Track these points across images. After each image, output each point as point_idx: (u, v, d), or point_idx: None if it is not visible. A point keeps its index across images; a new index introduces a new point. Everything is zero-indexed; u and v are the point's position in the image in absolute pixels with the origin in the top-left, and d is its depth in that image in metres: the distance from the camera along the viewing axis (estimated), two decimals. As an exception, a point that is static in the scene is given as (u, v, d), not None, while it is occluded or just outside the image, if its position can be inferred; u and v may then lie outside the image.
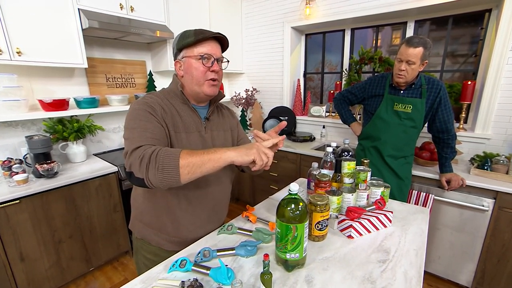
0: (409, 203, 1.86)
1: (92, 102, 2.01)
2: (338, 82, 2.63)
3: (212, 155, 0.78)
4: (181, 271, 0.86)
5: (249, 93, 3.16)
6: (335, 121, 2.70)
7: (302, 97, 3.04)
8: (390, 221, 1.13)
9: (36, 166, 1.71)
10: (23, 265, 1.66)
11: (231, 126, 1.19)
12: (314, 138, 2.78)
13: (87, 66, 1.94)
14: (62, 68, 2.03)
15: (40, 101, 1.81)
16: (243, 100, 3.17)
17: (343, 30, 2.68)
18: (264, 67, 3.12)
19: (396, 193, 1.69)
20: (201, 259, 0.91)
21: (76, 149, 2.00)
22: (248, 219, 1.18)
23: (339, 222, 1.11)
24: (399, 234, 1.08)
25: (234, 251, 0.95)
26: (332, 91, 2.71)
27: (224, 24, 2.97)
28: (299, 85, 2.98)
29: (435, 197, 1.79)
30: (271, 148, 0.90)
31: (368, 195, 1.19)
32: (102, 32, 2.02)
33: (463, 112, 2.09)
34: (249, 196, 3.02)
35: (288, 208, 0.84)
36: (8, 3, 1.60)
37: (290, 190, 0.85)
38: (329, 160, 1.27)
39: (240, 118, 3.19)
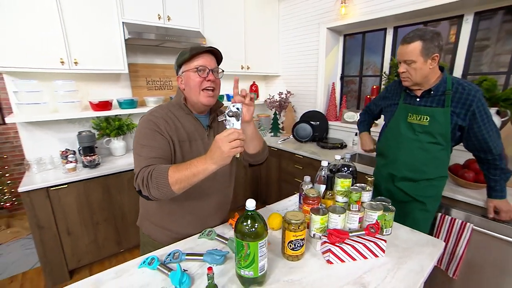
0: (440, 229, 1.60)
1: (131, 103, 2.29)
2: (375, 87, 2.39)
3: (195, 169, 0.86)
4: (149, 268, 0.93)
5: (283, 96, 3.12)
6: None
7: (338, 101, 2.86)
8: (383, 250, 1.00)
9: (82, 157, 2.04)
10: (69, 238, 2.00)
11: None
12: (346, 146, 2.60)
13: (127, 72, 2.21)
14: (109, 73, 2.35)
15: (90, 102, 2.14)
16: (277, 103, 3.14)
17: (385, 29, 2.42)
18: (299, 70, 3.04)
19: (421, 221, 1.43)
20: (170, 260, 0.96)
21: (117, 144, 2.31)
22: (232, 227, 1.19)
23: (322, 244, 1.03)
24: (389, 268, 0.95)
25: (202, 257, 0.98)
26: (368, 96, 2.48)
27: (260, 27, 3.00)
28: (334, 89, 2.80)
29: (475, 227, 1.49)
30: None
31: (361, 218, 1.07)
32: (142, 41, 2.27)
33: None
34: (276, 201, 2.99)
35: (244, 224, 0.83)
36: (69, 20, 1.93)
37: (246, 207, 0.83)
38: (323, 174, 1.19)
39: (272, 121, 3.18)
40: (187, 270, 0.91)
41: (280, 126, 3.23)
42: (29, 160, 2.10)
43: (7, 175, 3.07)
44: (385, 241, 1.00)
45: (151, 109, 1.07)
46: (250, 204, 0.83)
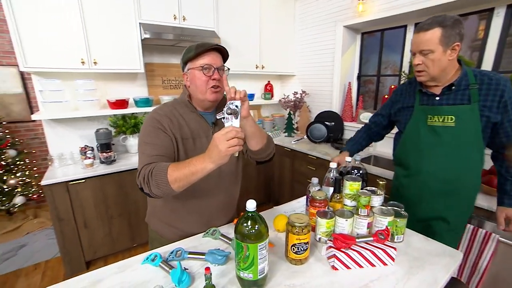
0: (460, 239, 1.49)
1: (147, 102, 2.34)
2: (393, 86, 2.29)
3: (193, 168, 0.86)
4: (151, 264, 0.94)
5: (298, 96, 3.07)
6: (388, 130, 2.36)
7: (354, 101, 2.77)
8: (393, 259, 0.94)
9: (99, 153, 2.12)
10: (86, 231, 2.08)
11: None
12: (362, 148, 2.50)
13: (143, 71, 2.27)
14: (126, 73, 2.42)
15: (108, 100, 2.22)
16: (291, 103, 3.10)
17: (405, 26, 2.30)
18: (314, 70, 2.98)
19: (451, 244, 1.18)
20: (173, 257, 0.97)
21: (132, 141, 2.38)
22: (237, 227, 1.18)
23: (327, 248, 0.99)
24: (398, 277, 0.90)
25: (204, 257, 0.97)
26: (386, 96, 2.38)
27: (276, 26, 2.98)
28: (350, 89, 2.72)
29: (502, 238, 1.38)
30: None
31: (370, 223, 1.02)
32: (158, 41, 2.32)
33: None
34: (288, 201, 2.95)
35: (244, 225, 0.81)
36: (90, 22, 2.01)
37: (246, 208, 0.82)
38: (331, 177, 1.15)
39: (286, 120, 3.14)
40: (187, 269, 0.91)
41: (295, 126, 3.19)
42: (52, 155, 2.21)
43: (34, 168, 3.26)
44: (395, 249, 0.94)
45: (156, 106, 1.08)
46: (251, 205, 0.81)
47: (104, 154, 2.09)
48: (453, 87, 1.15)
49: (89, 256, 2.14)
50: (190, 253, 0.99)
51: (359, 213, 1.01)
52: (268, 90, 3.39)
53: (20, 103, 3.26)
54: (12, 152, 2.94)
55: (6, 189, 2.88)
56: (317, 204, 1.06)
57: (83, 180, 1.98)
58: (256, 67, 2.97)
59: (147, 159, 0.95)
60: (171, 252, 0.99)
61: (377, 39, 2.64)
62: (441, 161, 1.21)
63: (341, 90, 2.78)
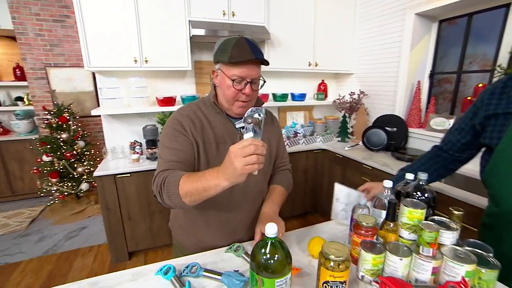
0: None
1: (193, 100, 2.35)
2: (480, 85, 1.82)
3: (205, 184, 0.74)
4: (163, 277, 0.86)
5: (355, 97, 2.74)
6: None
7: (424, 104, 2.32)
8: (471, 326, 0.66)
9: (146, 149, 2.19)
10: (130, 222, 2.17)
11: (270, 137, 1.08)
12: (430, 160, 2.07)
13: (191, 69, 2.28)
14: (175, 71, 2.47)
15: (156, 98, 2.29)
16: (347, 105, 2.78)
17: (507, 6, 1.78)
18: (376, 67, 2.61)
19: None
20: (187, 273, 0.87)
21: (177, 139, 2.41)
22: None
23: (373, 292, 0.77)
24: None
25: (220, 277, 0.84)
26: (469, 98, 1.91)
27: (332, 19, 2.72)
28: (419, 89, 2.28)
29: None
30: None
31: (436, 268, 0.75)
32: (207, 38, 2.30)
33: None
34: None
35: (262, 252, 0.65)
36: (143, 23, 2.09)
37: (265, 234, 0.65)
38: (383, 197, 0.90)
39: (340, 124, 2.83)
40: (198, 291, 0.79)
41: (349, 130, 2.86)
42: (107, 148, 2.38)
43: (97, 159, 3.63)
44: (475, 313, 0.66)
45: (181, 106, 1.00)
46: (270, 230, 0.64)
47: (150, 150, 2.16)
48: None
49: (132, 247, 2.23)
50: (206, 270, 0.87)
51: (421, 252, 0.75)
52: (322, 90, 3.12)
53: (91, 100, 3.67)
54: (81, 143, 3.31)
55: (76, 176, 3.25)
56: (363, 232, 0.84)
57: (128, 174, 2.07)
58: (309, 65, 2.75)
59: (164, 165, 0.86)
60: (186, 267, 0.88)
61: (460, 27, 2.15)
62: None
63: (408, 91, 2.37)
